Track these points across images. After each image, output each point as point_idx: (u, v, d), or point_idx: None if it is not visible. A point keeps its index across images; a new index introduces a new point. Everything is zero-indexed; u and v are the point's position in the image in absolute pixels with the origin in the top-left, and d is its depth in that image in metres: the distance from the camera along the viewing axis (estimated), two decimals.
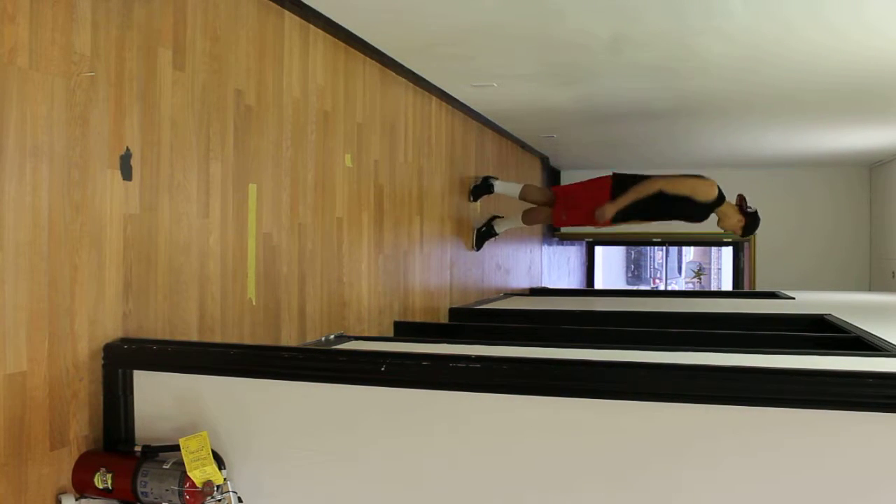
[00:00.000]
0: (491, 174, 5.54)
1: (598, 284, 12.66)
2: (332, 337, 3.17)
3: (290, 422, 1.98)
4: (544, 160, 7.88)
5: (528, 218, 5.35)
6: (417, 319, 4.22)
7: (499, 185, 5.34)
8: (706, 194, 4.31)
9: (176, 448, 1.89)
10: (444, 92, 4.59)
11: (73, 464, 1.96)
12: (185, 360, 2.05)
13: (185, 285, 2.36)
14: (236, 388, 2.00)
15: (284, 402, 1.98)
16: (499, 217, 5.55)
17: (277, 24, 2.90)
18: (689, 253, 27.24)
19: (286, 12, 2.95)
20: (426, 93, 4.42)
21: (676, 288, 20.96)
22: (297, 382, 1.95)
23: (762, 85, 4.27)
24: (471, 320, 4.63)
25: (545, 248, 8.13)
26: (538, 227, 7.75)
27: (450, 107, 4.85)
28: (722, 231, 4.57)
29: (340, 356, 1.99)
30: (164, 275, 2.27)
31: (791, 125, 5.69)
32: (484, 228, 5.41)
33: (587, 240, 9.94)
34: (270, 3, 2.84)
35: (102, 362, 2.04)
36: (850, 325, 3.45)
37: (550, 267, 8.37)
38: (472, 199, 5.28)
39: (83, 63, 1.98)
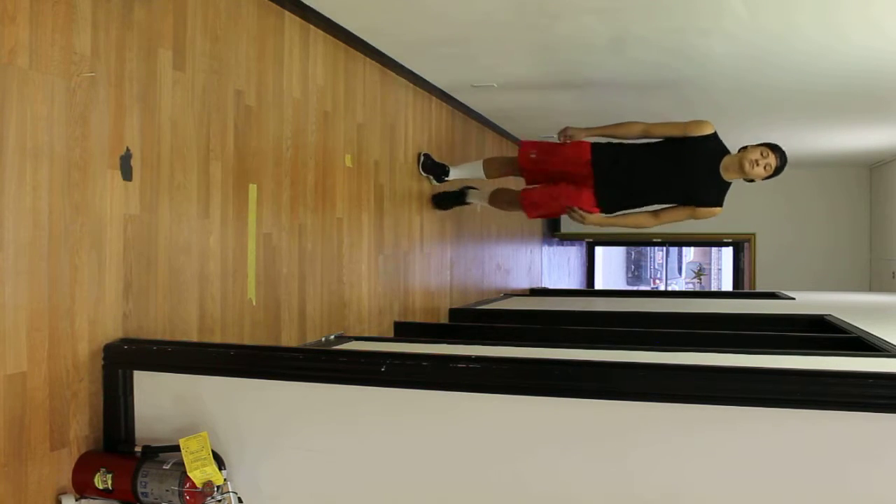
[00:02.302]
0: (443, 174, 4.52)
1: (599, 285, 12.67)
2: (332, 337, 3.17)
3: (291, 422, 1.97)
4: None
5: (494, 200, 4.52)
6: (417, 320, 4.22)
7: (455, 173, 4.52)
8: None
9: (176, 448, 1.89)
10: (444, 92, 4.59)
11: (73, 464, 1.96)
12: (185, 361, 2.05)
13: (185, 285, 2.36)
14: (236, 388, 2.00)
15: (284, 403, 1.98)
16: (471, 189, 4.72)
17: (277, 24, 2.90)
18: (689, 253, 27.23)
19: (286, 12, 2.95)
20: (426, 93, 4.42)
21: (676, 288, 20.96)
22: (297, 383, 1.95)
23: (763, 85, 4.27)
24: (471, 321, 4.62)
25: (545, 248, 8.13)
26: (538, 229, 7.76)
27: (450, 107, 4.85)
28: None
29: (340, 356, 1.99)
30: (164, 275, 2.27)
31: (791, 125, 5.69)
32: (454, 192, 4.62)
33: (587, 240, 9.95)
34: (270, 3, 2.84)
35: (102, 363, 2.04)
36: (851, 325, 3.45)
37: (550, 267, 8.37)
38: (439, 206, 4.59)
39: (83, 63, 1.98)
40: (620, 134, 3.69)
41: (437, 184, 4.53)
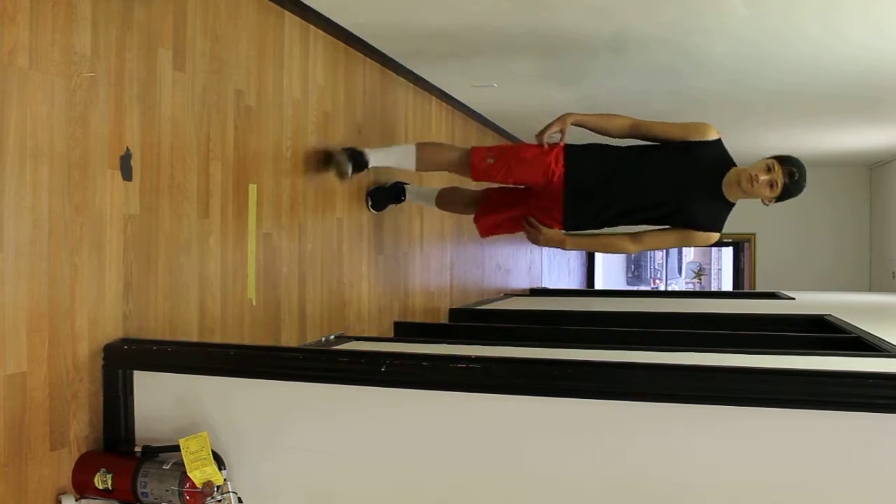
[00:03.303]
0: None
1: (599, 285, 12.66)
2: (332, 337, 3.17)
3: (290, 422, 1.98)
4: None
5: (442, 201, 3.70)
6: (417, 320, 4.22)
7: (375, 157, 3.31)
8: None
9: (176, 448, 1.89)
10: (444, 92, 4.59)
11: (73, 464, 1.96)
12: (185, 361, 2.05)
13: (185, 285, 2.36)
14: (236, 388, 2.00)
15: (284, 403, 1.98)
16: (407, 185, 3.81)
17: (277, 24, 2.90)
18: (690, 253, 27.23)
19: (286, 12, 2.95)
20: (426, 93, 4.42)
21: (676, 288, 20.96)
22: (297, 383, 1.95)
23: (762, 86, 4.27)
24: (471, 321, 4.62)
25: (545, 248, 8.12)
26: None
27: (450, 107, 4.85)
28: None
29: (341, 356, 1.99)
30: (164, 275, 2.27)
31: (791, 125, 5.69)
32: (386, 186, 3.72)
33: None
34: (270, 3, 2.84)
35: (102, 363, 2.04)
36: (851, 325, 3.45)
37: (550, 267, 8.37)
38: (373, 208, 3.65)
39: (83, 63, 1.98)
40: (604, 127, 2.98)
41: (353, 174, 3.23)
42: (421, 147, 3.27)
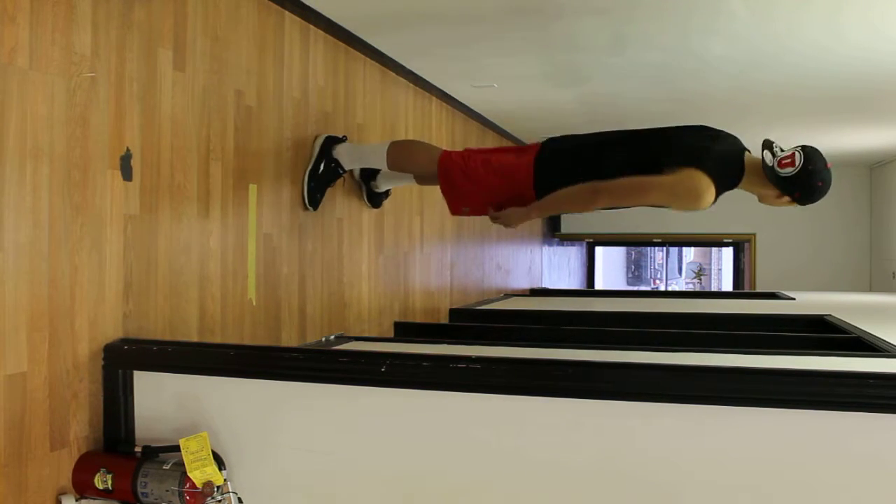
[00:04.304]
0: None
1: (599, 285, 12.66)
2: (332, 337, 3.17)
3: (291, 422, 1.98)
4: None
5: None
6: (418, 320, 4.22)
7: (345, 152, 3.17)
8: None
9: (176, 449, 1.89)
10: (444, 92, 4.59)
11: (73, 464, 1.96)
12: (185, 361, 2.05)
13: (185, 286, 2.36)
14: (236, 388, 2.00)
15: (285, 403, 1.98)
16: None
17: (277, 24, 2.90)
18: (690, 253, 27.22)
19: (286, 12, 2.95)
20: (426, 93, 4.42)
21: (677, 288, 20.96)
22: (297, 383, 1.95)
23: (762, 87, 4.27)
24: (471, 321, 4.62)
25: (545, 248, 8.13)
26: (538, 229, 7.75)
27: (450, 107, 4.85)
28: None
29: (341, 357, 1.99)
30: (164, 275, 2.27)
31: (791, 126, 5.69)
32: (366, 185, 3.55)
33: (587, 240, 9.95)
34: (270, 3, 2.84)
35: (102, 363, 2.04)
36: (851, 325, 3.45)
37: (551, 267, 8.37)
38: (371, 204, 3.63)
39: (83, 63, 1.98)
40: (568, 210, 2.62)
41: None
42: (392, 148, 3.05)
